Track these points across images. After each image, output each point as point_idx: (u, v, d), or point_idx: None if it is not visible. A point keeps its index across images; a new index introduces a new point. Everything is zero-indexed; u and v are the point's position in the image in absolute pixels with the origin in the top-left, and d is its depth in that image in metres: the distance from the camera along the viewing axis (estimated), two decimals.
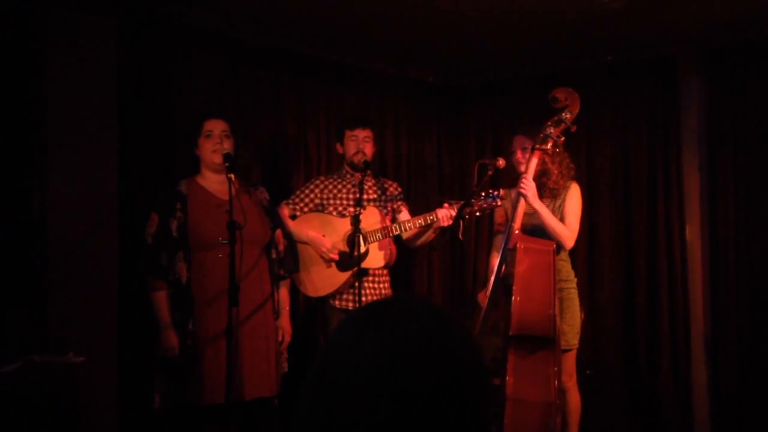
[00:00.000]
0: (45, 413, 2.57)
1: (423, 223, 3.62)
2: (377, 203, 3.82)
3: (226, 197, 2.98)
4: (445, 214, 3.53)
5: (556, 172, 3.49)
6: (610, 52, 4.48)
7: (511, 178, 3.67)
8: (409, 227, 3.66)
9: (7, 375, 2.52)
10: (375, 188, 3.88)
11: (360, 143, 3.77)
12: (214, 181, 3.26)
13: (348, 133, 3.81)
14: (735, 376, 4.14)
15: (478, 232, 5.03)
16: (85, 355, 2.77)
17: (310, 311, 4.14)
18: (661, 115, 4.42)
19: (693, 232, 4.39)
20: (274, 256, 3.35)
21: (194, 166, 3.31)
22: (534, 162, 3.36)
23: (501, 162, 3.53)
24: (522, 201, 3.36)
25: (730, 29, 4.05)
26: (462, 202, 3.51)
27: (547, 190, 3.52)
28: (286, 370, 3.36)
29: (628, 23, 3.97)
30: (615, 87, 4.55)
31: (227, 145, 3.21)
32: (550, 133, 3.34)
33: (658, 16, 3.83)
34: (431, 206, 3.82)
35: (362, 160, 3.72)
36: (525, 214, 3.44)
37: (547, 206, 3.48)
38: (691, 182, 4.39)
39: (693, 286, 4.37)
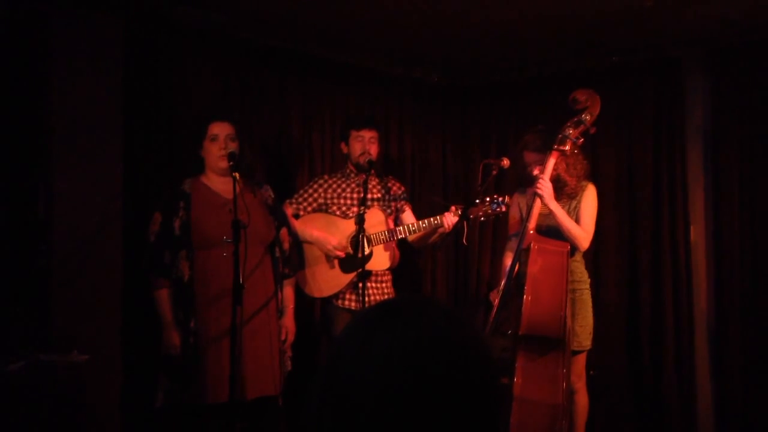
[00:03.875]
0: (49, 411, 2.58)
1: (428, 227, 3.61)
2: (381, 203, 3.82)
3: (230, 196, 2.98)
4: (450, 220, 3.53)
5: (573, 173, 3.47)
6: (615, 53, 4.47)
7: (526, 177, 3.63)
8: (414, 231, 3.65)
9: (12, 373, 2.53)
10: (379, 187, 3.88)
11: (366, 144, 3.77)
12: (219, 181, 3.25)
13: (354, 133, 3.80)
14: (739, 378, 4.13)
15: (483, 234, 5.02)
16: (90, 354, 2.78)
17: (314, 310, 4.14)
18: (666, 116, 4.41)
19: (697, 233, 4.38)
20: (278, 254, 3.34)
21: (199, 165, 3.31)
22: (551, 162, 3.34)
23: (505, 162, 3.52)
24: (537, 201, 3.34)
25: (735, 30, 4.04)
26: (465, 204, 3.51)
27: (564, 191, 3.50)
28: (290, 369, 3.36)
29: (633, 24, 3.96)
30: (620, 88, 4.54)
31: (232, 148, 3.20)
32: (569, 134, 3.32)
33: (663, 17, 3.82)
34: (434, 207, 3.81)
35: (367, 160, 3.72)
36: (540, 214, 3.43)
37: (563, 207, 3.45)
38: (695, 183, 4.38)
39: (697, 286, 4.35)
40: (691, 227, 4.36)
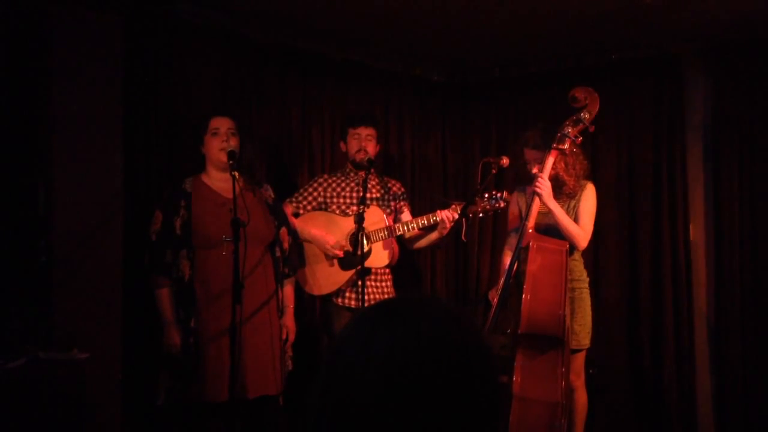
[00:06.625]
0: (50, 409, 2.58)
1: (426, 224, 3.61)
2: (380, 202, 3.82)
3: (231, 195, 2.98)
4: (447, 215, 3.52)
5: (572, 173, 3.47)
6: (615, 51, 4.48)
7: (525, 174, 3.63)
8: (412, 227, 3.66)
9: (12, 371, 2.52)
10: (378, 187, 3.88)
11: (362, 141, 3.77)
12: (219, 180, 3.25)
13: (351, 131, 3.81)
14: (739, 376, 4.13)
15: (482, 232, 5.02)
16: (90, 352, 2.78)
17: (315, 309, 4.14)
18: (667, 114, 4.41)
19: (697, 232, 4.38)
20: (278, 254, 3.34)
21: (199, 163, 3.31)
22: (550, 161, 3.34)
23: (505, 161, 3.51)
24: (536, 200, 3.33)
25: (736, 27, 4.04)
26: (465, 202, 3.50)
27: (563, 191, 3.49)
28: (291, 368, 3.37)
29: (633, 21, 3.96)
30: (620, 85, 4.54)
31: (233, 143, 3.20)
32: (568, 132, 3.31)
33: (663, 14, 3.82)
34: (435, 205, 3.82)
35: (365, 159, 3.70)
36: (539, 213, 3.42)
37: (562, 206, 3.45)
38: (696, 182, 4.38)
39: (697, 285, 4.36)
40: (691, 225, 4.37)
